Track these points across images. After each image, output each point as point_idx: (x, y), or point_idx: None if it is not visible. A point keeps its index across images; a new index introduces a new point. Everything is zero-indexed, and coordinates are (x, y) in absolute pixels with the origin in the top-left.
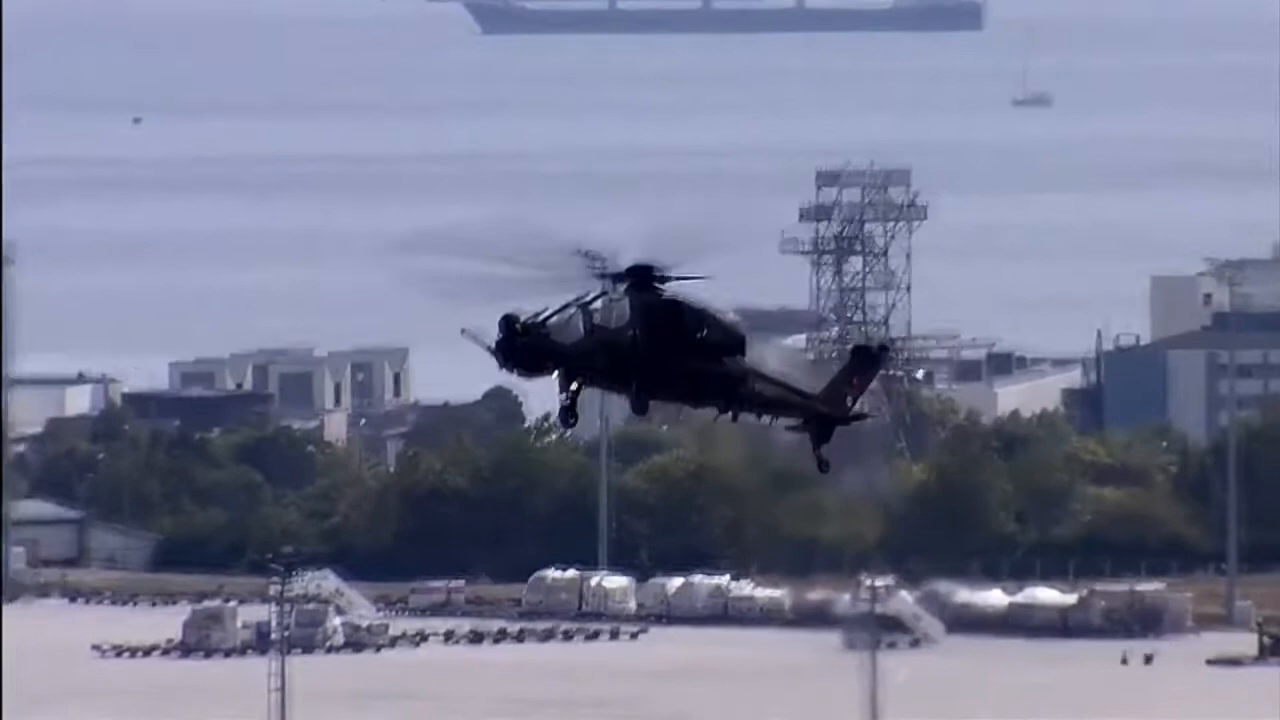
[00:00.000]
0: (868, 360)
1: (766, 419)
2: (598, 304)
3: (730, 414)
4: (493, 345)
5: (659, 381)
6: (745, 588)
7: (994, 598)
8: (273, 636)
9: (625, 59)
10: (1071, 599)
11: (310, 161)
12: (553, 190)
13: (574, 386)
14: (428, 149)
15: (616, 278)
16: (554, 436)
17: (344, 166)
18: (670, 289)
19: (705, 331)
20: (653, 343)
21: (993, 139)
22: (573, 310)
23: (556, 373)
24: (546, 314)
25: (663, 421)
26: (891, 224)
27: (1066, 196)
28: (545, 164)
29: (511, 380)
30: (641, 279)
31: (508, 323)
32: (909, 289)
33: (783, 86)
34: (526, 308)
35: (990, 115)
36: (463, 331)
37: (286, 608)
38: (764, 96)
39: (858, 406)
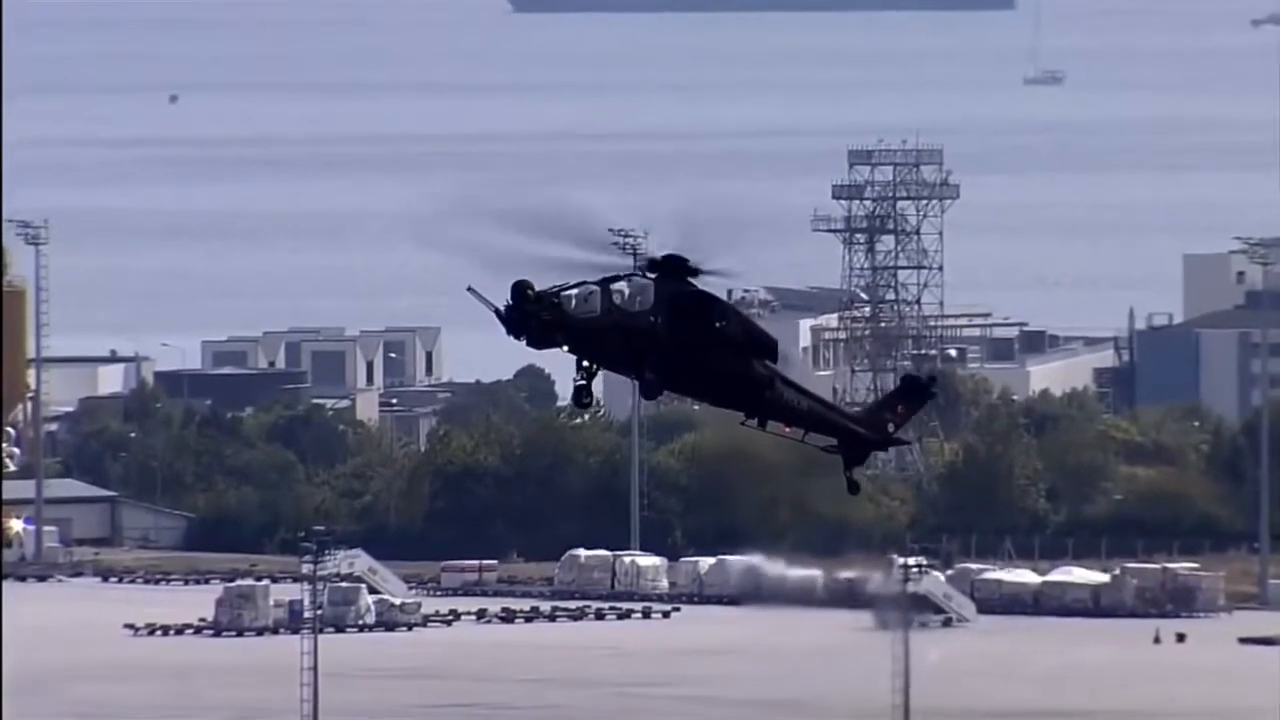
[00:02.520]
0: (916, 390)
1: (799, 433)
2: (620, 285)
3: (757, 421)
4: (501, 309)
5: (676, 372)
6: (778, 567)
7: (1026, 577)
8: (305, 615)
9: (656, 39)
10: (1104, 578)
11: (342, 141)
12: (583, 170)
13: (587, 365)
14: (459, 128)
15: (650, 264)
16: (586, 416)
17: (375, 146)
18: (700, 284)
19: (731, 329)
20: (674, 332)
21: (1019, 118)
22: (592, 287)
23: (565, 347)
24: (562, 286)
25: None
26: (924, 203)
27: (1098, 176)
28: (575, 144)
29: (544, 359)
30: (674, 269)
31: (519, 289)
32: (941, 268)
33: (817, 67)
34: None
35: (1017, 95)
36: (469, 289)
37: (319, 586)
38: (801, 76)
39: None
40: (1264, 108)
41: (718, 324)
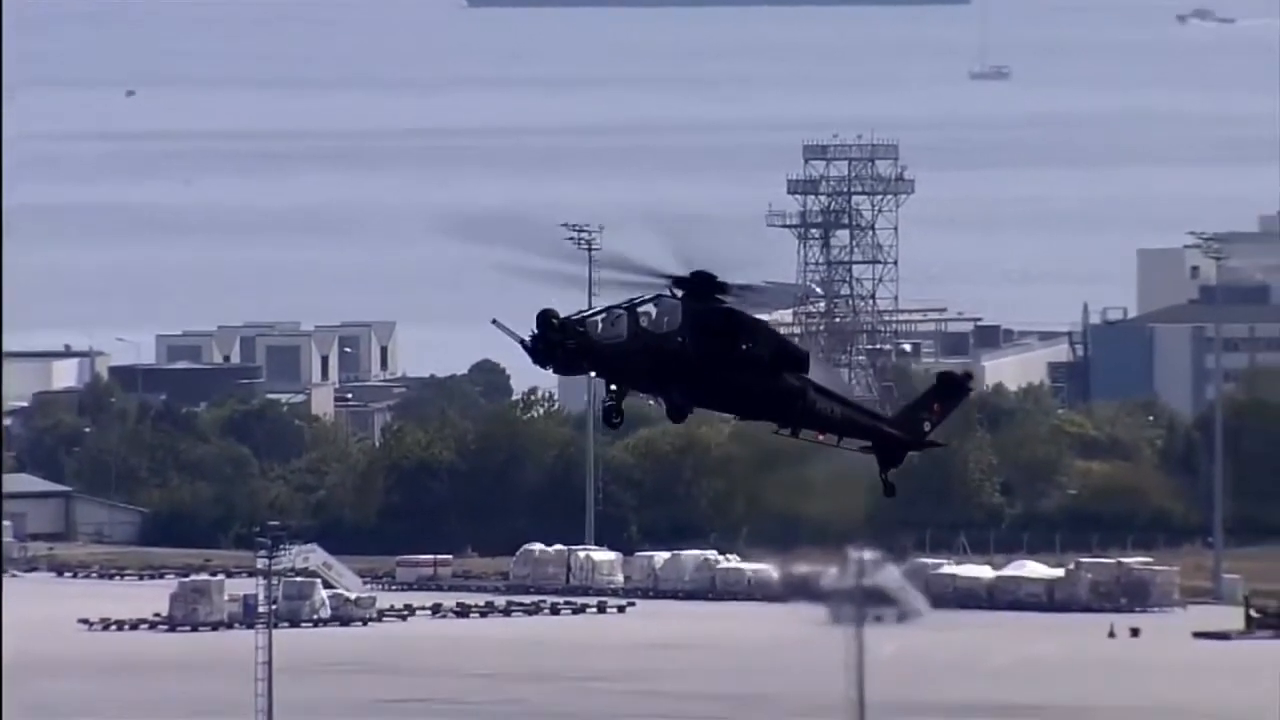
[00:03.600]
0: (952, 388)
1: (833, 439)
2: (647, 306)
3: (790, 430)
4: (526, 340)
5: (706, 390)
6: (732, 561)
7: (980, 571)
8: (259, 610)
9: (608, 33)
10: (1058, 572)
11: (296, 137)
12: (536, 165)
13: (614, 388)
14: (415, 123)
15: (678, 281)
16: (541, 409)
17: (330, 141)
18: (729, 300)
19: (761, 345)
20: (704, 351)
21: (971, 114)
22: (618, 311)
23: (592, 373)
24: (588, 313)
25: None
26: (879, 197)
27: (1050, 171)
28: (529, 139)
29: (499, 353)
30: (701, 287)
31: (544, 319)
32: (896, 262)
33: (772, 61)
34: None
35: (966, 90)
36: (494, 322)
37: (273, 581)
38: (754, 70)
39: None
40: (1213, 102)
41: (747, 341)
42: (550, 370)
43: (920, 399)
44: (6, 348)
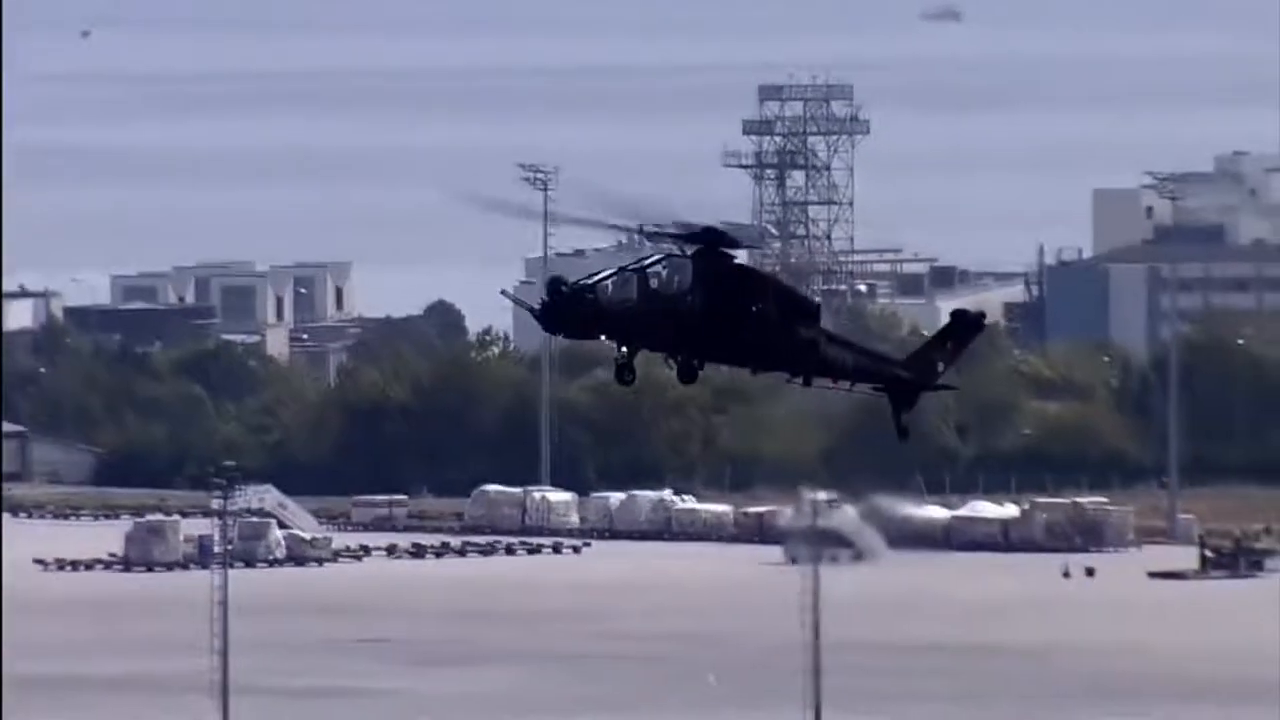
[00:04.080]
0: (966, 326)
1: (845, 384)
2: (656, 267)
3: (803, 380)
4: (537, 307)
5: (719, 347)
6: (688, 502)
7: (936, 512)
8: (215, 550)
9: None
10: (1013, 513)
11: (251, 78)
12: (494, 106)
13: (625, 349)
14: (370, 64)
15: (689, 237)
16: (496, 350)
17: (285, 82)
18: (739, 256)
19: (773, 300)
20: (716, 309)
21: (923, 55)
22: (628, 274)
23: (604, 336)
24: (597, 277)
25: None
26: (834, 138)
27: (1007, 113)
28: (484, 80)
29: (454, 294)
30: (711, 243)
31: (554, 285)
32: (851, 203)
33: (725, 3)
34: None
35: (917, 31)
36: (502, 292)
37: (229, 522)
38: (707, 9)
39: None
40: (1168, 43)
41: (758, 297)
42: (562, 336)
43: (934, 338)
44: None
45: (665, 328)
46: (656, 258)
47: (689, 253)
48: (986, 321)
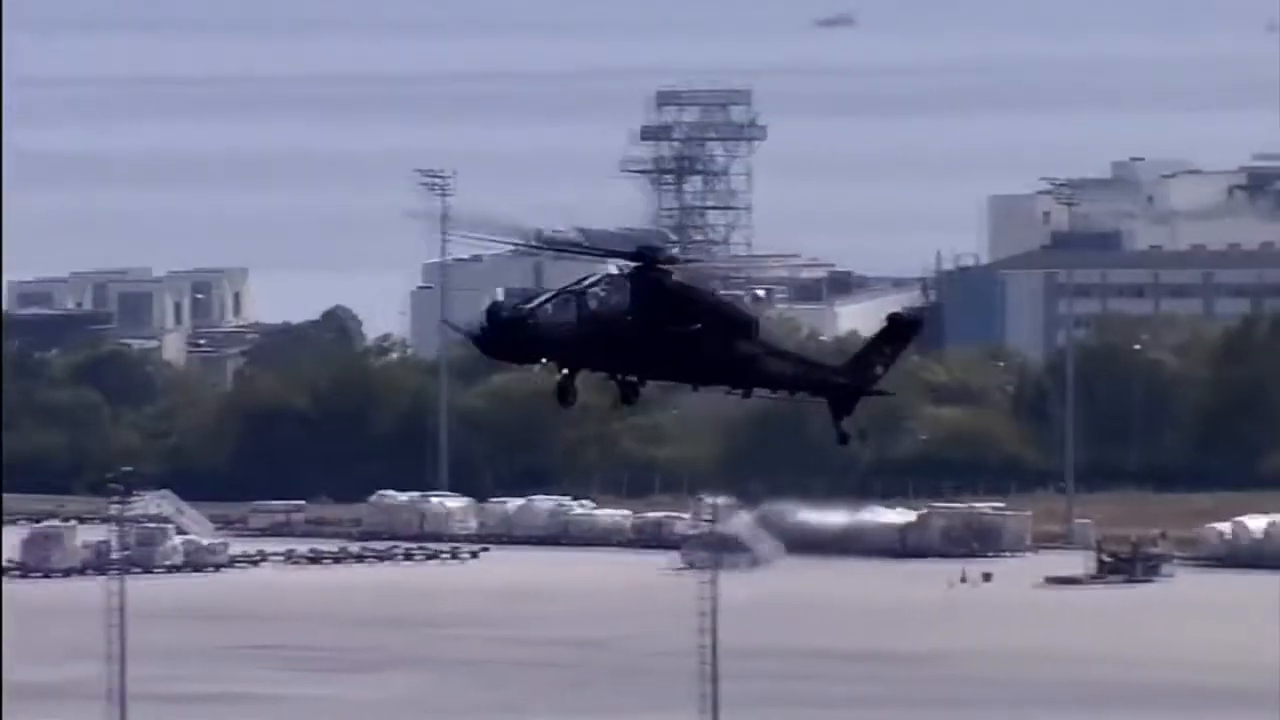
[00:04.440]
0: (903, 329)
1: (784, 394)
2: (596, 288)
3: (743, 393)
4: (477, 334)
5: (660, 366)
6: (585, 508)
7: (833, 517)
8: (112, 556)
9: None
10: (910, 518)
11: (149, 82)
12: (390, 110)
13: (565, 372)
14: (268, 69)
15: (628, 256)
16: (394, 356)
17: (182, 87)
18: (675, 272)
19: (709, 316)
20: (655, 327)
21: (818, 60)
22: (565, 296)
23: (544, 360)
24: (536, 301)
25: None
26: (731, 144)
27: (904, 118)
28: (382, 85)
29: (351, 299)
30: (649, 261)
31: (494, 311)
32: (749, 208)
33: (621, 6)
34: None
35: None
36: (443, 322)
37: (125, 528)
38: (604, 14)
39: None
40: (1063, 47)
41: (696, 313)
42: (504, 362)
43: (871, 343)
44: None
45: (606, 349)
46: (595, 278)
47: (626, 271)
48: (923, 325)
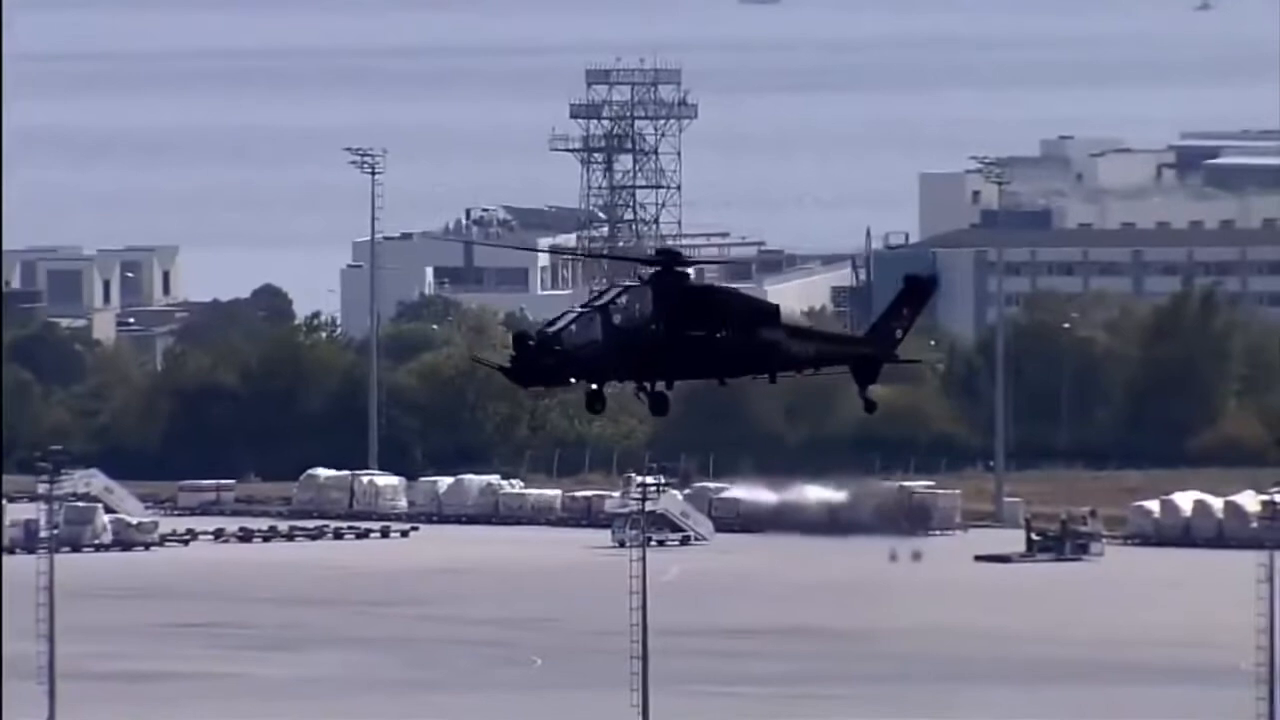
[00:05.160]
0: (919, 290)
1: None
2: (619, 301)
3: (769, 378)
4: (507, 366)
5: (688, 367)
6: (516, 486)
7: (763, 495)
8: (41, 535)
9: None
10: (841, 496)
11: (79, 58)
12: (316, 87)
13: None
14: (198, 43)
15: (645, 261)
16: (324, 334)
17: (111, 63)
18: (693, 274)
19: (732, 312)
20: (680, 332)
21: (744, 38)
22: (588, 314)
23: (574, 380)
24: (560, 324)
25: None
26: (662, 122)
27: (832, 96)
28: (311, 60)
29: (281, 277)
30: (668, 264)
31: (519, 341)
32: (679, 187)
33: None
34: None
35: (736, 14)
36: (474, 358)
37: (55, 506)
38: None
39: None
40: (992, 25)
41: (720, 314)
42: (538, 388)
43: (890, 308)
44: None
45: (634, 360)
46: (615, 291)
47: (646, 277)
48: (938, 284)
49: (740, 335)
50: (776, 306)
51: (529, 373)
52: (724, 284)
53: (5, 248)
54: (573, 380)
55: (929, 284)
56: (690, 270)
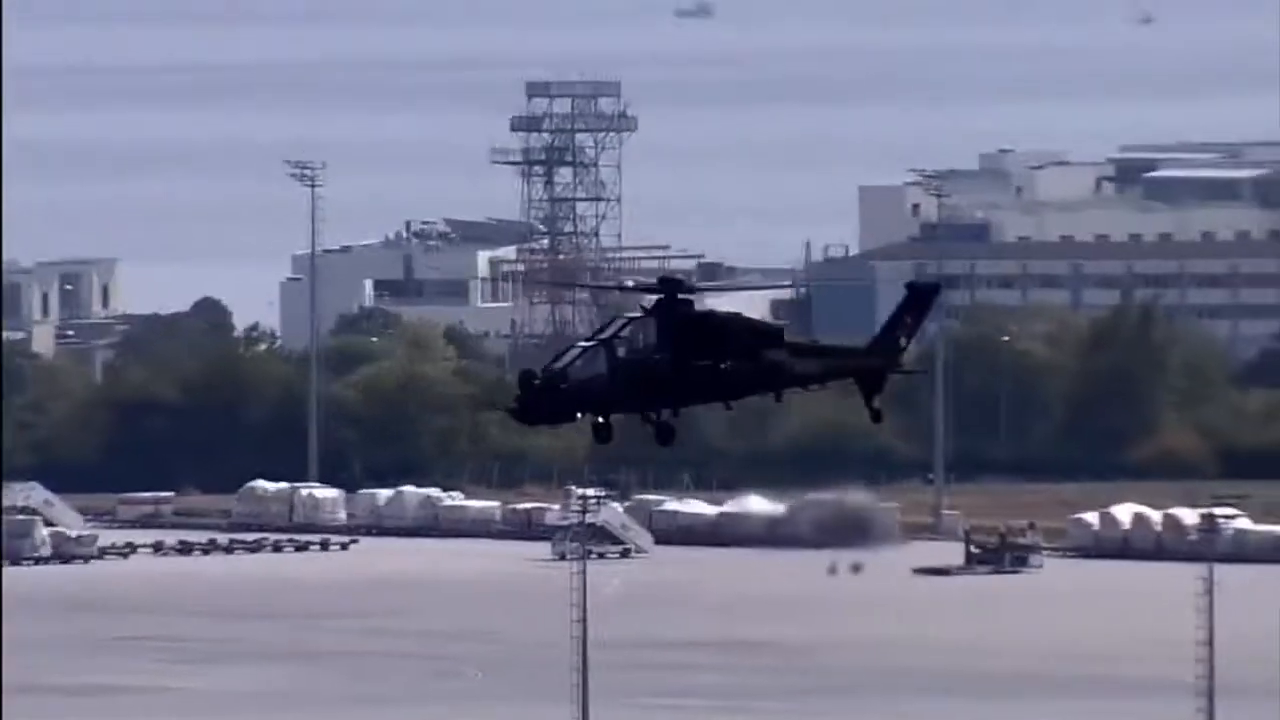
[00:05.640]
0: (921, 297)
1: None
2: (622, 333)
3: (775, 396)
4: (513, 406)
5: (696, 393)
6: (455, 499)
7: (703, 508)
8: None
9: None
10: (780, 509)
11: (25, 75)
12: (255, 100)
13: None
14: (141, 59)
15: (647, 289)
16: (263, 346)
17: (52, 77)
18: (697, 301)
19: (737, 337)
20: (684, 360)
21: (683, 51)
22: (592, 349)
23: (582, 415)
24: (565, 360)
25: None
26: (602, 135)
27: (771, 108)
28: (244, 74)
29: (220, 290)
30: (670, 292)
31: (525, 380)
32: (619, 200)
33: None
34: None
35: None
36: (481, 403)
37: None
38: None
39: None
40: (926, 38)
41: (724, 340)
42: (546, 426)
43: (893, 316)
44: None
45: (641, 391)
46: (620, 323)
47: (649, 306)
48: (941, 290)
49: (746, 359)
50: (781, 327)
51: (536, 412)
52: (729, 312)
53: None
54: (579, 415)
55: (931, 290)
56: (693, 297)
